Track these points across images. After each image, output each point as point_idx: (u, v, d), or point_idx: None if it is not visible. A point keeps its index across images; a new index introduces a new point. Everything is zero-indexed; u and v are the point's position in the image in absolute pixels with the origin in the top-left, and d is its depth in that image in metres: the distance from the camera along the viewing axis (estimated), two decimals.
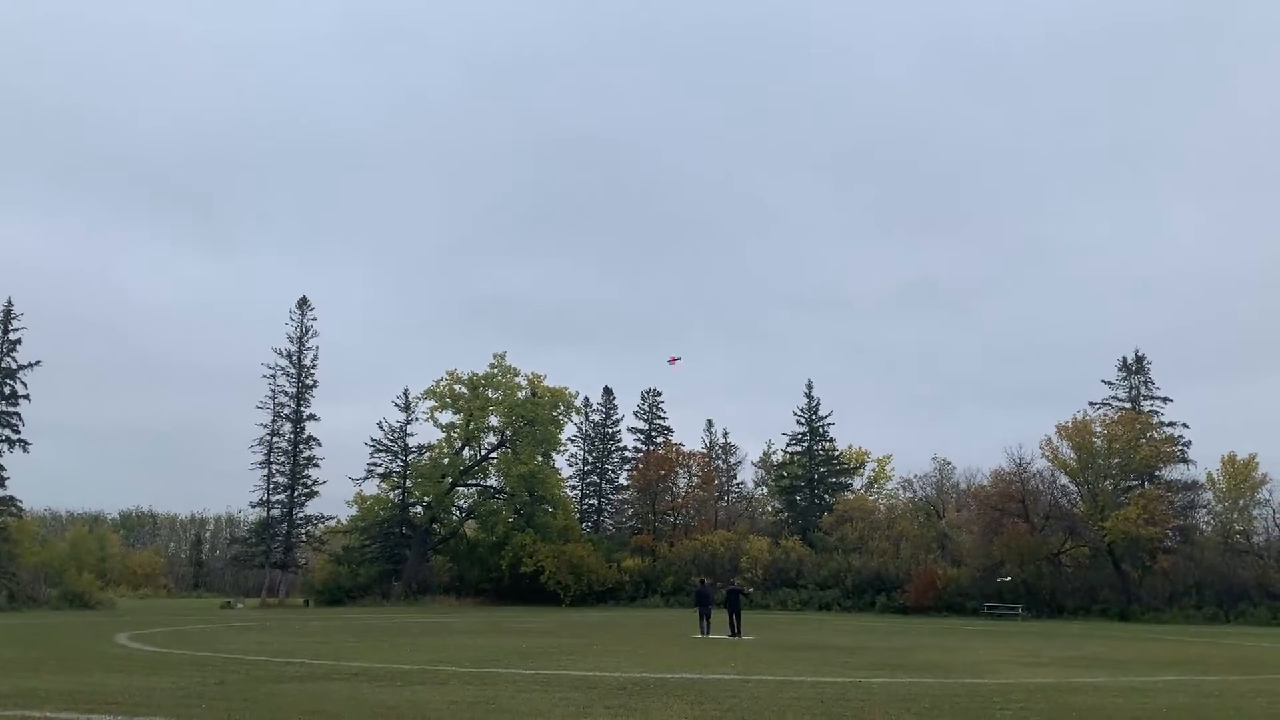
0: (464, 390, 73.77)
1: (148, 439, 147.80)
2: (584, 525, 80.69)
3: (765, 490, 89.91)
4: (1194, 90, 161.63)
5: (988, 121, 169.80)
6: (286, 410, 72.75)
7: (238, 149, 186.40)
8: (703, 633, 33.54)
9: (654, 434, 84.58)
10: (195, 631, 34.38)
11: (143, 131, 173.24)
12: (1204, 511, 67.21)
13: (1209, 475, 67.50)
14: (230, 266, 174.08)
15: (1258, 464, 65.83)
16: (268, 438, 72.20)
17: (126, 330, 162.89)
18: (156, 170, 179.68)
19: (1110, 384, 70.44)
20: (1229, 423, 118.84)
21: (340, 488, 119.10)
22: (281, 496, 72.39)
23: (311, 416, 73.22)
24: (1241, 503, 65.89)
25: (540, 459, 73.58)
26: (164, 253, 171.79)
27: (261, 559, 73.07)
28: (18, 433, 58.32)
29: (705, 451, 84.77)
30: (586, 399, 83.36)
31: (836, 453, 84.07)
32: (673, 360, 56.42)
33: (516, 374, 74.91)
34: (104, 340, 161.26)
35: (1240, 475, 65.68)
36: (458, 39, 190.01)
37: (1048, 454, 63.44)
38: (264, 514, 72.78)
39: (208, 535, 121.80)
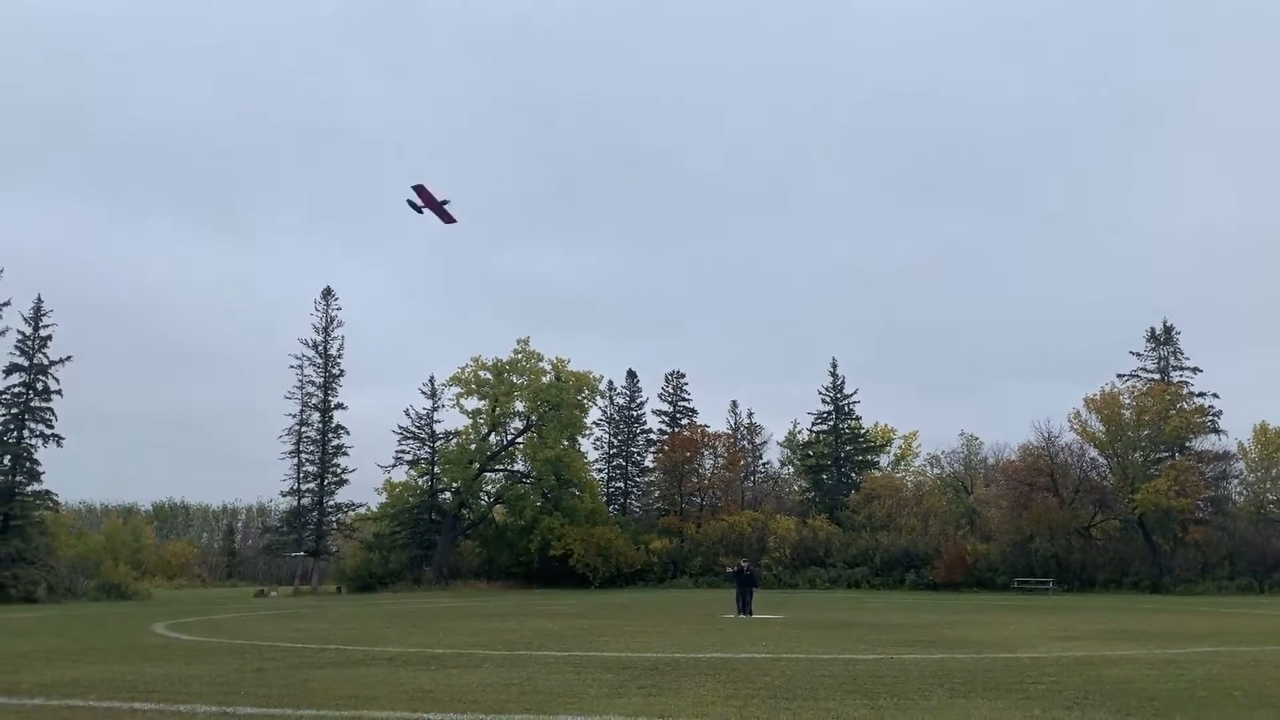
0: (489, 376, 74.06)
1: (178, 430, 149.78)
2: (611, 508, 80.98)
3: (791, 470, 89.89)
4: (1222, 48, 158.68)
5: (1006, 87, 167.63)
6: (314, 400, 73.49)
7: (250, 136, 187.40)
8: (742, 613, 33.52)
9: (678, 416, 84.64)
10: (230, 620, 34.79)
11: (155, 121, 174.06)
12: (1236, 482, 66.79)
13: (1240, 445, 66.94)
14: (251, 254, 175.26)
15: None
16: (297, 427, 73.11)
17: (153, 321, 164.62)
18: (172, 160, 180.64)
19: (1139, 355, 69.92)
20: (1260, 390, 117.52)
21: (369, 475, 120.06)
22: (312, 485, 73.17)
23: (339, 405, 74.02)
24: (1275, 472, 65.34)
25: (566, 443, 73.88)
26: (186, 242, 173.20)
27: (293, 547, 73.86)
28: (51, 428, 59.12)
29: (730, 432, 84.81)
30: (610, 382, 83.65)
31: (862, 431, 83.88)
32: (424, 196, 32.93)
33: (540, 359, 75.23)
34: (131, 332, 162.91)
35: (1272, 444, 65.10)
36: (464, 16, 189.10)
37: (1076, 427, 63.14)
38: (295, 503, 73.60)
39: (240, 525, 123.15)
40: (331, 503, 74.01)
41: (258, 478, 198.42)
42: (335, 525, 75.51)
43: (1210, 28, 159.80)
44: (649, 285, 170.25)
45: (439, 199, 38.20)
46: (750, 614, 33.04)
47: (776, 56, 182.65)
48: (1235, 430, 67.87)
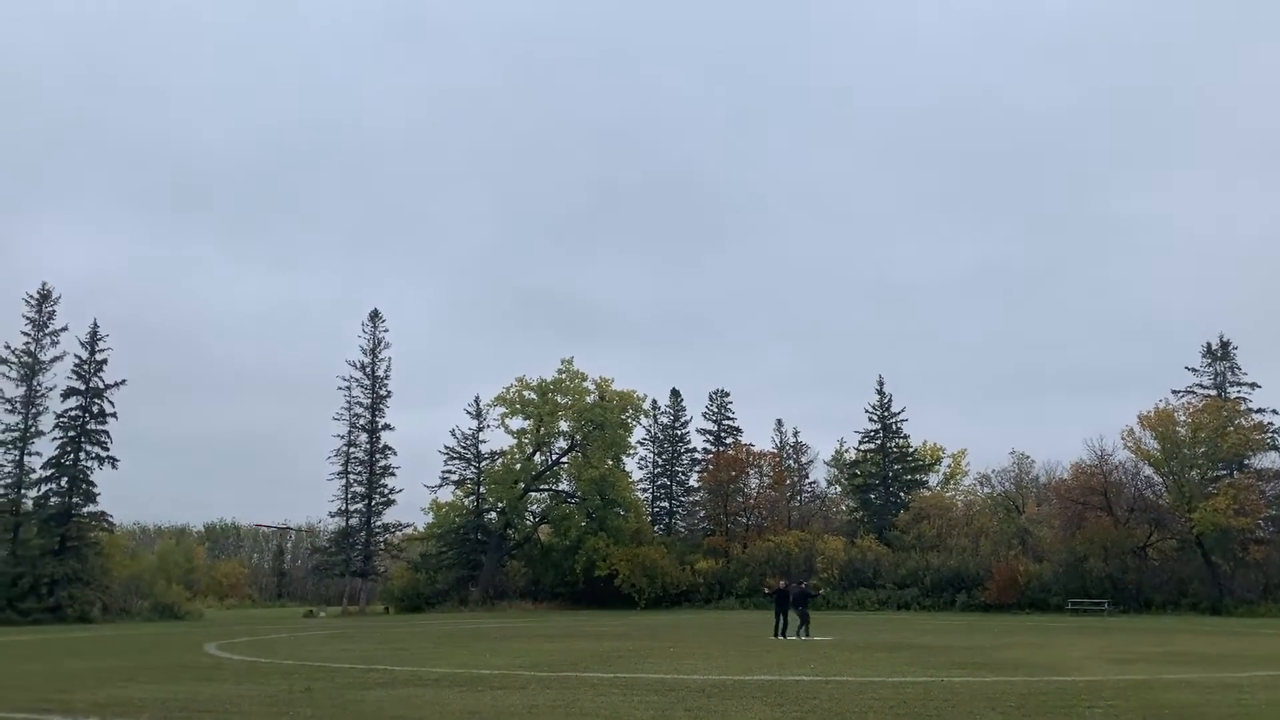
0: (533, 396, 74.36)
1: (229, 452, 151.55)
2: (656, 528, 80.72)
3: (839, 489, 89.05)
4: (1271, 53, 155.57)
5: (1055, 94, 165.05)
6: (362, 421, 74.23)
7: (289, 157, 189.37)
8: (780, 634, 33.15)
9: (723, 434, 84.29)
10: (280, 640, 35.12)
11: (196, 143, 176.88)
12: None
13: None
14: (291, 273, 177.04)
15: None
16: (344, 448, 73.79)
17: (202, 342, 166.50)
18: (211, 181, 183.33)
19: (1195, 370, 68.43)
20: None
21: (416, 495, 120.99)
22: (359, 506, 73.78)
23: (386, 426, 74.63)
24: None
25: (610, 462, 73.85)
26: (229, 263, 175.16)
27: (341, 568, 74.49)
28: (106, 450, 60.27)
29: (776, 451, 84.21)
30: (654, 401, 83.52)
31: (910, 449, 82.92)
32: None
33: (585, 378, 75.34)
34: (181, 355, 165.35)
35: None
36: (493, 31, 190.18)
37: (1130, 445, 61.74)
38: (343, 523, 74.23)
39: (289, 545, 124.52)
40: (379, 523, 74.55)
41: (307, 498, 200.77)
42: (382, 545, 75.99)
43: (1275, 27, 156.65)
44: (692, 302, 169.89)
45: None
46: (804, 636, 32.50)
47: (818, 66, 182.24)
48: None
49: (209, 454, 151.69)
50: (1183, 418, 61.34)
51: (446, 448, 77.12)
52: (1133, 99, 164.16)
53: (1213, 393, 66.50)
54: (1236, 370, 67.67)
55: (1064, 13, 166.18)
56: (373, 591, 79.21)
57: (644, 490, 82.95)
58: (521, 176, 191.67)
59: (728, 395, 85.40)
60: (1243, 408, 64.61)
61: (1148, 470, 62.20)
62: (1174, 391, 66.98)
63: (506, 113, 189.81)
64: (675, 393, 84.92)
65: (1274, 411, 65.38)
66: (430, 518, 75.35)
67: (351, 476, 73.68)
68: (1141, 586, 59.41)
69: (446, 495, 76.19)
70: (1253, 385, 67.15)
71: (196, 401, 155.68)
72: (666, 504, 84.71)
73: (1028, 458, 76.60)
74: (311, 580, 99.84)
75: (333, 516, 75.76)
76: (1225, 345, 68.28)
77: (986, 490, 77.79)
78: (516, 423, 74.78)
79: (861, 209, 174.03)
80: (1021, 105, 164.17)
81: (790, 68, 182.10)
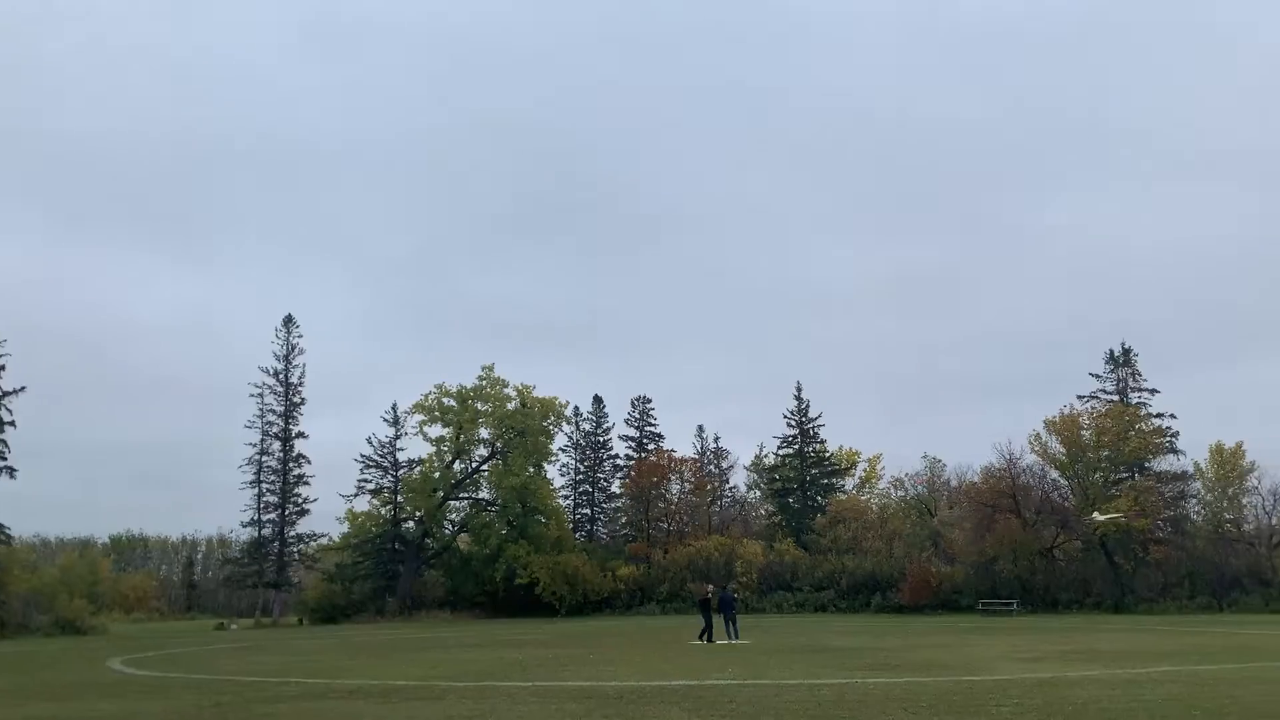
0: (453, 403, 73.60)
1: (136, 461, 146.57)
2: (577, 535, 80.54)
3: (758, 494, 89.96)
4: (1178, 73, 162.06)
5: (969, 107, 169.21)
6: (275, 429, 72.69)
7: (205, 159, 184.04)
8: (713, 639, 33.07)
9: (645, 441, 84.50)
10: (189, 654, 34.18)
11: (105, 143, 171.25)
12: (1194, 501, 67.52)
13: (1197, 465, 67.91)
14: (207, 279, 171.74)
15: (1245, 452, 66.33)
16: (257, 457, 72.21)
17: (105, 347, 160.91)
18: (124, 183, 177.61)
19: (1098, 377, 70.83)
20: (1216, 411, 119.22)
21: (331, 504, 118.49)
22: (273, 515, 72.24)
23: (300, 434, 73.23)
24: (1231, 491, 66.23)
25: (532, 470, 73.46)
26: (140, 267, 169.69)
27: (254, 579, 72.79)
28: (4, 459, 57.91)
29: (697, 457, 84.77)
30: (576, 408, 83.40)
31: (828, 454, 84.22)
32: None
33: (506, 385, 74.86)
34: (86, 360, 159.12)
35: (1229, 464, 66.08)
36: (415, 34, 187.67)
37: (1037, 449, 63.78)
38: (255, 533, 72.59)
39: (199, 557, 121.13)
40: (293, 533, 73.06)
41: (218, 508, 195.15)
42: (297, 556, 74.52)
43: (1168, 52, 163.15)
44: (615, 309, 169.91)
45: None
46: (722, 640, 32.72)
47: (741, 71, 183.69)
48: (1192, 451, 68.89)
49: (115, 463, 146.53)
50: (1087, 422, 63.52)
51: (363, 456, 75.95)
52: (1047, 113, 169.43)
53: (1115, 398, 68.90)
54: (1138, 376, 70.26)
55: (982, 27, 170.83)
56: (287, 603, 77.52)
57: (566, 497, 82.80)
58: (441, 181, 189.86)
59: (650, 402, 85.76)
60: (1143, 413, 67.10)
61: (1054, 473, 64.20)
62: (1079, 397, 69.41)
63: (426, 116, 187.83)
64: (598, 399, 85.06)
65: (1172, 416, 68.10)
66: (346, 527, 74.03)
67: (264, 485, 72.15)
68: (1049, 587, 61.23)
69: (363, 504, 75.00)
70: (1152, 391, 69.81)
71: (101, 409, 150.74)
72: (588, 511, 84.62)
73: (940, 462, 78.44)
74: (223, 592, 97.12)
75: (245, 526, 74.05)
76: (1127, 352, 70.81)
77: (901, 494, 79.44)
78: (435, 430, 74.02)
79: (783, 215, 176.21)
80: (942, 116, 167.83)
81: (713, 72, 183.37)
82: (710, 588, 39.02)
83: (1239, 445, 66.35)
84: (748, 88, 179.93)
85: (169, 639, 48.60)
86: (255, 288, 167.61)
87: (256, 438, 72.29)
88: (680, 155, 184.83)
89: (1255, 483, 64.99)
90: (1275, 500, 63.79)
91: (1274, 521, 64.13)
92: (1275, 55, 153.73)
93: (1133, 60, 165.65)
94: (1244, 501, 65.82)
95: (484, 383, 74.51)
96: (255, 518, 72.03)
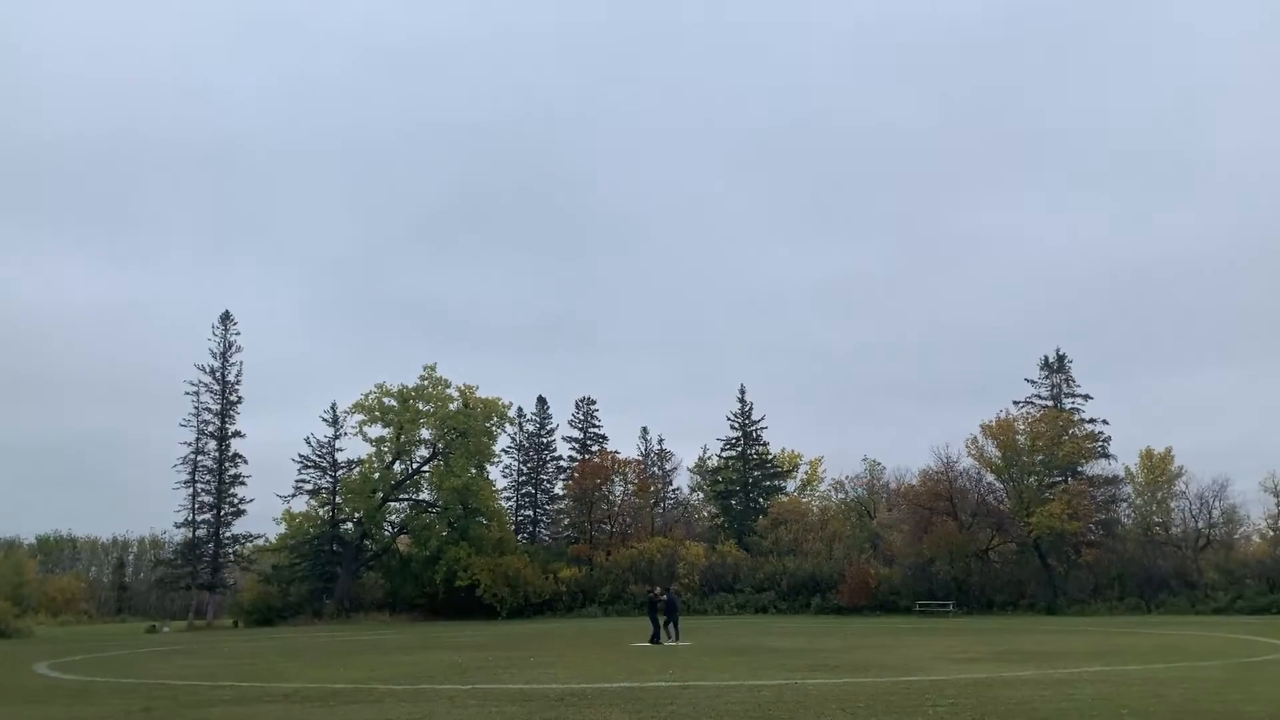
0: (394, 403, 72.82)
1: (64, 460, 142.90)
2: (520, 536, 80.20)
3: (701, 495, 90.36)
4: (1113, 83, 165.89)
5: (911, 116, 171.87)
6: (211, 428, 71.47)
7: (135, 153, 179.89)
8: (665, 640, 33.09)
9: (589, 442, 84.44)
10: (119, 658, 33.35)
11: (28, 138, 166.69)
12: (1125, 505, 69.28)
13: (1128, 470, 69.67)
14: (138, 275, 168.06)
15: (1173, 457, 68.21)
16: (192, 456, 71.01)
17: (27, 342, 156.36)
18: (45, 176, 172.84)
19: (1033, 382, 72.30)
20: (1145, 416, 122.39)
21: (268, 505, 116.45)
22: (207, 516, 71.00)
23: (237, 434, 72.09)
24: (1160, 495, 68.08)
25: (474, 471, 72.97)
26: (65, 261, 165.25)
27: (188, 580, 71.41)
28: None
29: (641, 459, 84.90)
30: (520, 409, 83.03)
31: (770, 456, 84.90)
32: None
33: (448, 385, 74.28)
34: (7, 355, 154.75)
35: (1158, 469, 67.90)
36: (353, 29, 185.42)
37: (973, 453, 64.94)
38: (189, 534, 71.24)
39: (131, 558, 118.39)
40: (228, 534, 71.89)
41: (150, 509, 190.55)
42: (232, 557, 73.26)
43: (1102, 69, 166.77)
44: (559, 310, 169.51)
45: None
46: (669, 641, 32.76)
47: (689, 74, 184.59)
48: (1123, 456, 70.70)
49: (42, 461, 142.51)
50: (1022, 427, 64.78)
51: (301, 456, 74.91)
52: (984, 118, 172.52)
53: (1050, 403, 70.35)
54: (1071, 382, 71.82)
55: (924, 35, 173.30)
56: (221, 605, 76.15)
57: (508, 499, 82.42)
58: (382, 178, 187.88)
59: (594, 403, 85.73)
60: (1076, 418, 68.61)
61: (990, 477, 65.39)
62: (1015, 402, 70.84)
63: (366, 113, 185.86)
64: (542, 400, 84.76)
65: (1104, 422, 69.80)
66: (283, 528, 72.89)
67: (199, 485, 70.95)
68: (984, 588, 62.33)
69: (300, 505, 74.02)
70: (1085, 397, 71.46)
71: (26, 405, 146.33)
72: (531, 512, 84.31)
73: (880, 464, 79.50)
74: (155, 594, 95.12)
75: (179, 527, 72.85)
76: (1061, 359, 72.37)
77: (841, 496, 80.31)
78: (375, 430, 73.20)
79: (729, 218, 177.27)
80: (887, 121, 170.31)
81: (662, 75, 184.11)
82: (659, 589, 39.13)
83: (1168, 450, 68.36)
84: (696, 92, 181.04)
85: (98, 642, 47.39)
86: (192, 285, 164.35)
87: (192, 436, 71.20)
88: (627, 157, 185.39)
89: (1183, 487, 66.95)
90: (1202, 504, 65.77)
91: (1200, 525, 66.06)
92: (1209, 61, 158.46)
93: (1066, 65, 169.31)
94: (1172, 505, 67.78)
95: (426, 383, 73.87)
96: (190, 518, 70.85)
